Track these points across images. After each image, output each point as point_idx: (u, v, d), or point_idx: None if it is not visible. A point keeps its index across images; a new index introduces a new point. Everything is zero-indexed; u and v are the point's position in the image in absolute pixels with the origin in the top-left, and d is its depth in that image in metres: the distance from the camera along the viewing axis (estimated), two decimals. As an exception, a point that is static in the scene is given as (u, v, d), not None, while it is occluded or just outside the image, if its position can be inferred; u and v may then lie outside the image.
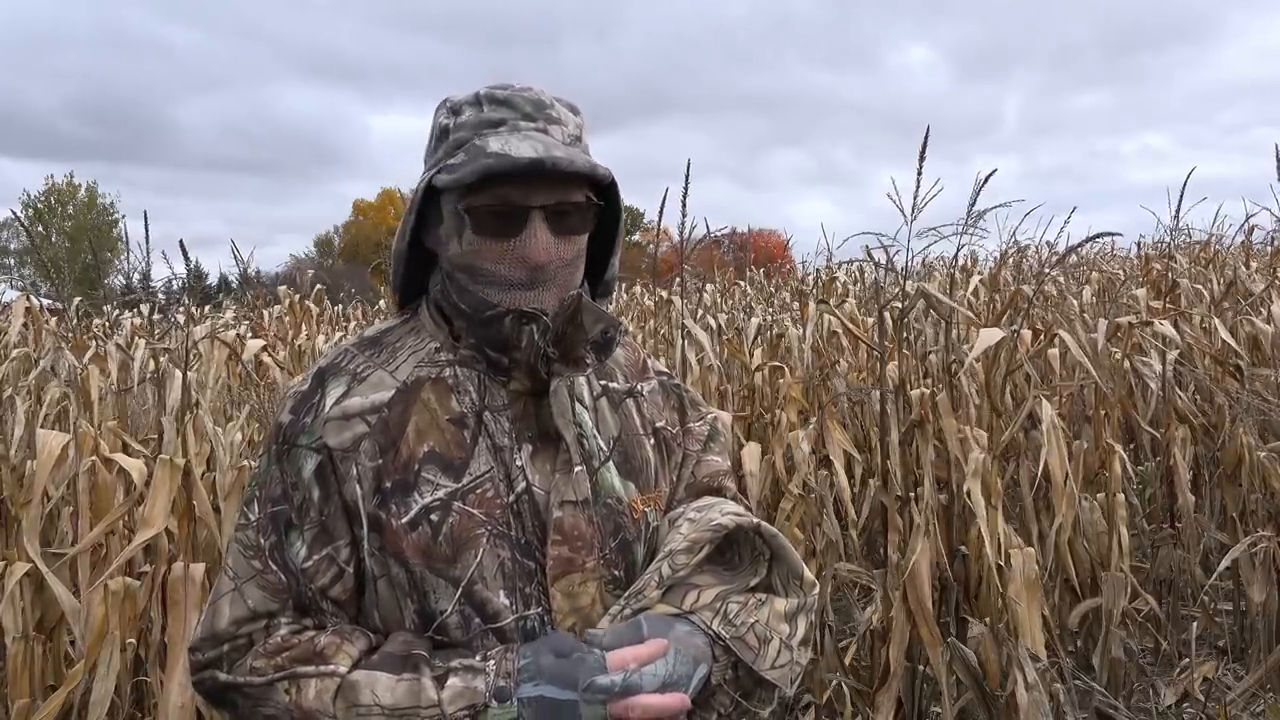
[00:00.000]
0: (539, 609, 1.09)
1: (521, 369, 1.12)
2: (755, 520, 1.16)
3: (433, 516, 1.07)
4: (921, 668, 2.89)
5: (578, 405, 1.16)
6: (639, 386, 1.26)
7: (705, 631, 1.08)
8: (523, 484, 1.10)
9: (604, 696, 0.99)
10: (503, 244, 1.09)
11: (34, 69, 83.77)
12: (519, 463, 1.11)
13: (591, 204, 1.13)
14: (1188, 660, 3.39)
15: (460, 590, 1.07)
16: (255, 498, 1.11)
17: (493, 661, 1.03)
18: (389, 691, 1.01)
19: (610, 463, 1.16)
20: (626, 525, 1.15)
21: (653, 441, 1.23)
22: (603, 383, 1.22)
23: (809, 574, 1.17)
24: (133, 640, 2.46)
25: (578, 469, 1.12)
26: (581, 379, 1.18)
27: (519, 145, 1.07)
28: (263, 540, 1.09)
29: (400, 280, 1.20)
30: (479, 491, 1.09)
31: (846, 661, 3.04)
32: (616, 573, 1.13)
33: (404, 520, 1.07)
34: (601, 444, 1.16)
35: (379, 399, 1.11)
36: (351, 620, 1.11)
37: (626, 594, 1.10)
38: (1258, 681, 3.29)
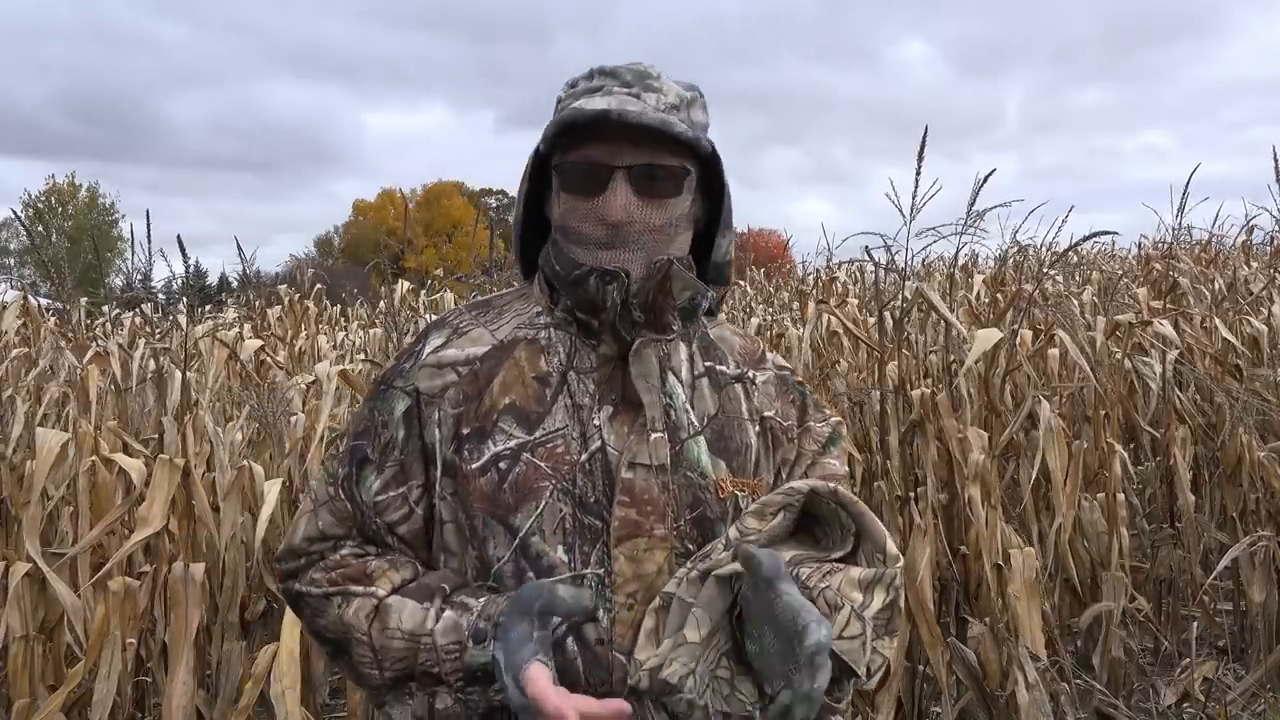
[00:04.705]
0: (600, 569, 1.08)
1: (608, 331, 1.14)
2: (832, 486, 1.11)
3: (501, 464, 1.10)
4: (921, 668, 2.89)
5: (670, 376, 1.16)
6: (752, 374, 1.24)
7: None
8: (597, 443, 1.12)
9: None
10: (588, 202, 1.12)
11: (19, 65, 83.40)
12: (596, 422, 1.12)
13: (685, 170, 1.15)
14: (1188, 660, 3.39)
15: (517, 540, 1.08)
16: (347, 431, 1.22)
17: (481, 602, 1.06)
18: (411, 618, 1.07)
19: (700, 438, 1.15)
20: (709, 501, 1.13)
21: (758, 429, 1.21)
22: (708, 364, 1.22)
23: (893, 548, 1.10)
24: (133, 640, 2.46)
25: (656, 435, 1.12)
26: (683, 356, 1.19)
27: (595, 101, 1.11)
28: (340, 470, 1.18)
29: (519, 248, 1.25)
30: (549, 445, 1.11)
31: (846, 661, 3.03)
32: (690, 546, 1.11)
33: (474, 465, 1.11)
34: (693, 418, 1.16)
35: (474, 352, 1.16)
36: (423, 563, 1.15)
37: (695, 555, 1.08)
38: (1258, 681, 3.29)
